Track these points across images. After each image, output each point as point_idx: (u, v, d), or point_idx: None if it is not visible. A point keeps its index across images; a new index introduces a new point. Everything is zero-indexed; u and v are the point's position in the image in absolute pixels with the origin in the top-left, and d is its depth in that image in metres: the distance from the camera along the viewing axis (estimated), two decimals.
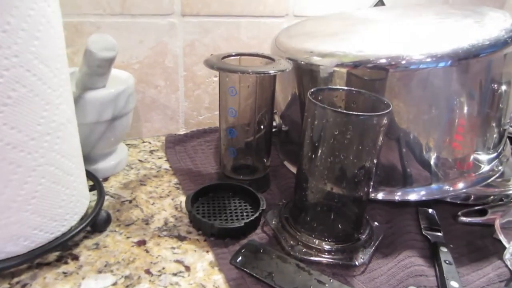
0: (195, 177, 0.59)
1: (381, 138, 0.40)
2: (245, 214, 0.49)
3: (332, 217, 0.44)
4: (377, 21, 0.62)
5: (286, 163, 0.63)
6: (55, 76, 0.37)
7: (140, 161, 0.64)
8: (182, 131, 0.75)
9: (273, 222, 0.47)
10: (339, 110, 0.38)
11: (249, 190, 0.52)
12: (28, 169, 0.36)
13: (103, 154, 0.58)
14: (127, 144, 0.67)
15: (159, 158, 0.65)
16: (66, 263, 0.42)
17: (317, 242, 0.43)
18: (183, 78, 0.71)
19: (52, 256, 0.42)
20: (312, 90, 0.42)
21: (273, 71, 0.47)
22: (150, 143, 0.70)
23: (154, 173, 0.60)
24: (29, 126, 0.35)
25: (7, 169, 0.34)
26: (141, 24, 0.65)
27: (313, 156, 0.42)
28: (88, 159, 0.55)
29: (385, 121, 0.39)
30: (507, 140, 0.59)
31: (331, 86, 0.48)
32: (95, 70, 0.50)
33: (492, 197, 0.54)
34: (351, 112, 0.37)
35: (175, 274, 0.41)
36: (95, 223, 0.45)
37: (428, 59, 0.45)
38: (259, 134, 0.55)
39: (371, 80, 0.48)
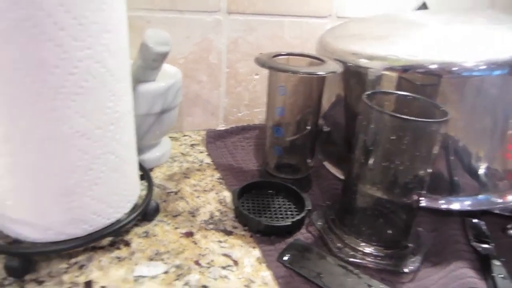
0: (236, 173, 0.59)
1: (437, 146, 0.39)
2: (289, 213, 0.50)
3: (381, 222, 0.44)
4: (425, 25, 0.61)
5: (326, 163, 0.63)
6: (120, 68, 0.38)
7: (183, 154, 0.65)
8: (221, 127, 0.76)
9: (319, 223, 0.48)
10: (397, 115, 0.38)
11: (292, 189, 0.52)
12: (93, 156, 0.37)
13: (149, 146, 0.59)
14: (169, 137, 0.68)
15: (201, 152, 0.66)
16: (118, 248, 0.43)
17: (364, 246, 0.43)
18: (225, 75, 0.72)
19: (106, 240, 0.44)
20: (368, 93, 0.43)
21: (324, 73, 0.48)
22: (190, 136, 0.72)
23: (197, 166, 0.61)
24: (96, 115, 0.36)
25: (76, 155, 0.36)
26: (188, 20, 0.66)
27: (366, 160, 0.42)
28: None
29: (442, 128, 0.38)
30: None
31: (384, 90, 0.48)
32: (150, 64, 0.51)
33: None
34: (410, 118, 0.37)
35: (224, 268, 0.42)
36: (145, 212, 0.46)
37: (483, 67, 0.45)
38: (304, 132, 0.55)
39: (423, 85, 0.47)
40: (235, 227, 0.48)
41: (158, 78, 0.56)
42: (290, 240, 0.45)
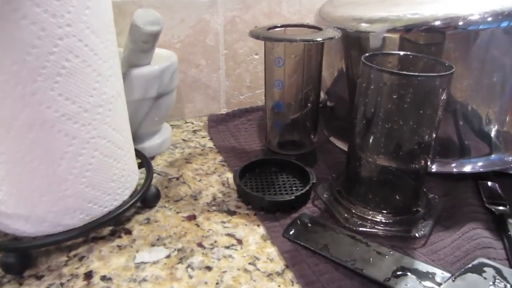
0: (239, 154, 0.58)
1: (442, 105, 0.37)
2: (294, 188, 0.48)
3: (388, 189, 0.42)
4: None
5: (332, 138, 0.61)
6: (106, 47, 0.37)
7: (184, 140, 0.63)
8: (223, 111, 0.74)
9: (325, 196, 0.46)
10: (398, 71, 0.35)
11: (297, 165, 0.50)
12: (82, 141, 0.36)
13: (149, 133, 0.58)
14: (170, 125, 0.67)
15: (203, 137, 0.65)
16: (119, 237, 0.42)
17: (372, 214, 0.41)
18: (224, 57, 0.70)
19: (106, 230, 0.43)
20: (366, 55, 0.40)
21: (321, 38, 0.45)
22: (192, 123, 0.70)
23: (199, 151, 0.60)
24: (82, 97, 0.35)
25: (63, 140, 0.35)
26: (182, 2, 0.64)
27: (368, 125, 0.40)
28: (135, 138, 0.55)
29: (447, 84, 0.36)
30: None
31: (385, 51, 0.45)
32: (141, 46, 0.49)
33: None
34: (411, 73, 0.35)
35: (227, 247, 0.40)
36: (145, 198, 0.45)
37: (490, 18, 0.42)
38: (306, 110, 0.53)
39: (427, 44, 0.45)
40: (238, 207, 0.46)
41: (152, 63, 0.54)
42: (295, 215, 0.44)
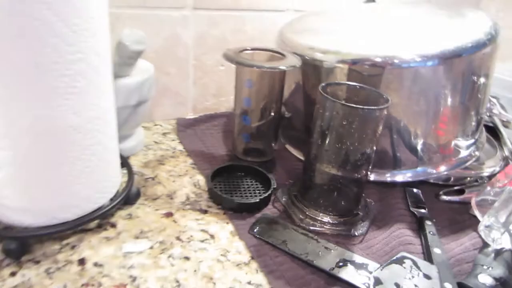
0: (208, 159, 0.65)
1: (380, 127, 0.47)
2: (257, 191, 0.56)
3: (335, 195, 0.52)
4: (372, 19, 0.69)
5: (288, 146, 0.70)
6: (105, 67, 0.43)
7: (156, 142, 0.70)
8: (190, 115, 0.81)
9: (283, 199, 0.54)
10: (347, 104, 0.45)
11: (259, 171, 0.59)
12: (83, 148, 0.42)
13: (125, 136, 0.64)
14: (141, 126, 0.72)
15: (172, 140, 0.71)
16: (106, 229, 0.48)
17: (322, 216, 0.51)
18: (193, 67, 0.77)
19: (93, 223, 0.48)
20: (323, 84, 0.49)
21: (285, 67, 0.54)
22: (161, 126, 0.76)
23: (170, 153, 0.66)
24: (86, 112, 0.41)
25: (68, 148, 0.40)
26: (157, 16, 0.70)
27: (322, 142, 0.49)
28: None
29: (385, 113, 0.46)
30: (483, 128, 0.67)
31: (337, 81, 0.54)
32: (126, 61, 0.55)
33: (469, 178, 0.63)
34: (358, 106, 0.44)
35: (202, 241, 0.48)
36: (128, 196, 0.51)
37: (419, 59, 0.52)
38: (268, 120, 0.61)
39: (369, 75, 0.54)
40: (209, 206, 0.54)
41: (133, 73, 0.60)
42: (259, 215, 0.52)
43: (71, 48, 0.37)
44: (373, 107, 0.45)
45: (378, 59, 0.53)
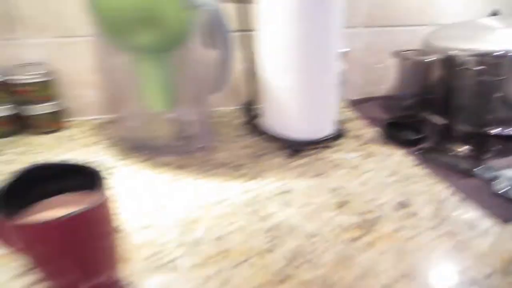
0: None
1: None
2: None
3: None
4: (494, 27, 1.01)
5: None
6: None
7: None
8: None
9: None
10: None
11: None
12: (335, 88, 0.83)
13: None
14: None
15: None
16: (330, 147, 0.88)
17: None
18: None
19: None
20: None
21: None
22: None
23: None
24: (335, 65, 0.82)
25: (331, 88, 0.82)
26: None
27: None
28: None
29: None
30: None
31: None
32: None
33: None
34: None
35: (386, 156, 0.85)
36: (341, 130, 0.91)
37: None
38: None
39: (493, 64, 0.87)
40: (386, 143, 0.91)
41: None
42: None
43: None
44: None
45: (499, 53, 0.85)
